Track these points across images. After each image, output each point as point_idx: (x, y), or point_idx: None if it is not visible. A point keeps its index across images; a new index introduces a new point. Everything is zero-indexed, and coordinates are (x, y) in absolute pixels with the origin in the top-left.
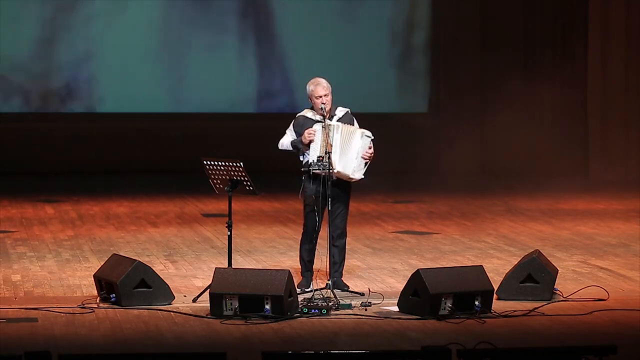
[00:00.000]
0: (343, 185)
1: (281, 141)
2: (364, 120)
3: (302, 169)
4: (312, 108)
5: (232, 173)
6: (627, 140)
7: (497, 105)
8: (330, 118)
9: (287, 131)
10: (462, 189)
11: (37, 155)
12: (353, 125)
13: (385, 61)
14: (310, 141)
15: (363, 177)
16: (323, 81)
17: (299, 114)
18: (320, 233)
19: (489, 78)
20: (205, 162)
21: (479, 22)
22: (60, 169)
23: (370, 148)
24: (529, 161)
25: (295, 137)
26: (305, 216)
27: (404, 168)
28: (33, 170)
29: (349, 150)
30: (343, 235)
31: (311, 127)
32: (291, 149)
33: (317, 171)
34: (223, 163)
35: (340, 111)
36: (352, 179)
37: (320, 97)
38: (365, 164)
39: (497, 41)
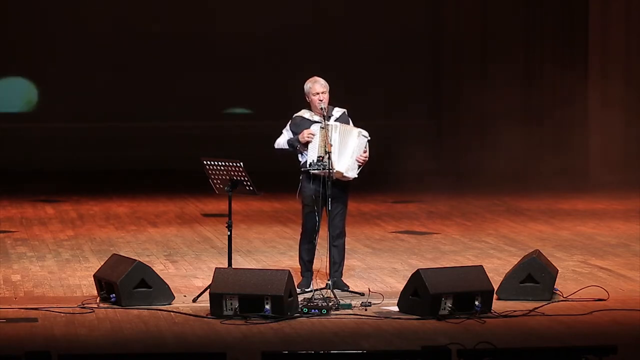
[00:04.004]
0: (342, 185)
1: (277, 140)
2: (364, 122)
3: (302, 169)
4: (309, 108)
5: (232, 173)
6: (626, 140)
7: (497, 105)
8: (328, 118)
9: (284, 131)
10: (462, 189)
11: (37, 155)
12: (349, 125)
13: (386, 63)
14: (308, 142)
15: (357, 176)
16: (321, 79)
17: (295, 115)
18: (319, 233)
19: (489, 78)
20: (205, 162)
21: (480, 24)
22: (60, 169)
23: (365, 152)
24: (529, 161)
25: (292, 137)
26: (305, 216)
27: (405, 169)
28: (33, 170)
29: (345, 149)
30: (342, 235)
31: (308, 127)
32: (287, 147)
33: (317, 171)
34: (223, 163)
35: (337, 112)
36: (346, 177)
37: (318, 94)
38: (359, 165)
39: (498, 42)
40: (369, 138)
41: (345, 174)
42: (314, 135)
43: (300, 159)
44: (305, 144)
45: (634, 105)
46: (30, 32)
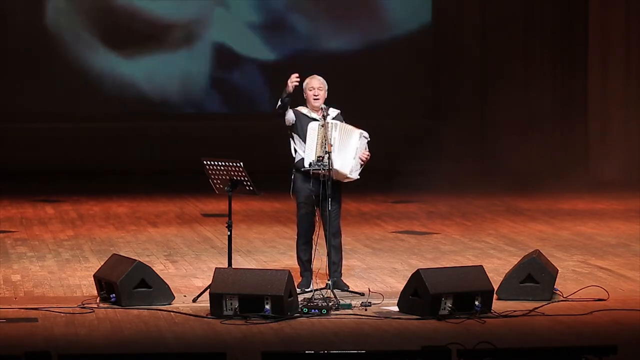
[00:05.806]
0: (336, 185)
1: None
2: (363, 121)
3: (303, 170)
4: (306, 105)
5: (232, 173)
6: (627, 141)
7: (497, 105)
8: (325, 118)
9: None
10: (462, 189)
11: (37, 155)
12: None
13: (385, 61)
14: (295, 86)
15: (359, 177)
16: (319, 77)
17: (294, 109)
18: (316, 232)
19: (489, 78)
20: (205, 162)
21: (479, 23)
22: (60, 169)
23: (366, 149)
24: (529, 161)
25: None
26: (302, 217)
27: (403, 168)
28: (33, 170)
29: (346, 149)
30: (338, 234)
31: (306, 123)
32: (280, 104)
33: (317, 171)
34: (223, 163)
35: (333, 112)
36: (349, 178)
37: (313, 88)
38: (361, 165)
39: (498, 41)
40: (369, 139)
41: (349, 175)
42: (298, 81)
43: (294, 155)
44: (293, 91)
45: (635, 106)
46: (29, 30)
